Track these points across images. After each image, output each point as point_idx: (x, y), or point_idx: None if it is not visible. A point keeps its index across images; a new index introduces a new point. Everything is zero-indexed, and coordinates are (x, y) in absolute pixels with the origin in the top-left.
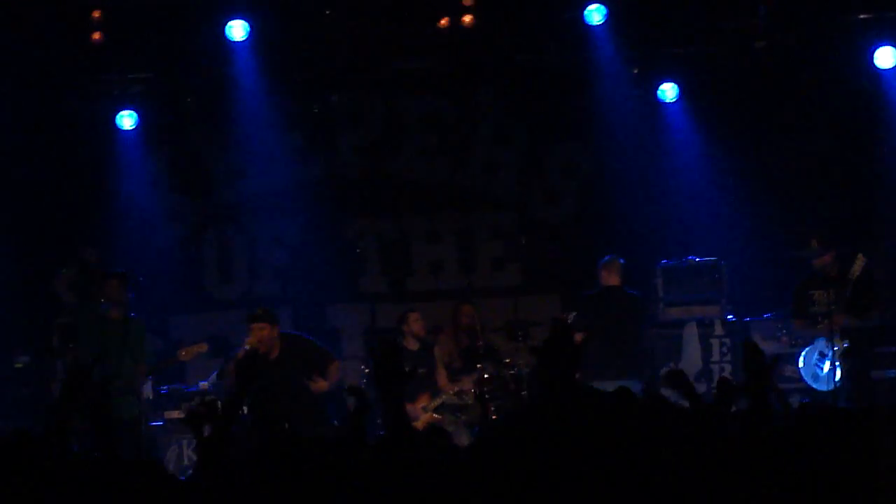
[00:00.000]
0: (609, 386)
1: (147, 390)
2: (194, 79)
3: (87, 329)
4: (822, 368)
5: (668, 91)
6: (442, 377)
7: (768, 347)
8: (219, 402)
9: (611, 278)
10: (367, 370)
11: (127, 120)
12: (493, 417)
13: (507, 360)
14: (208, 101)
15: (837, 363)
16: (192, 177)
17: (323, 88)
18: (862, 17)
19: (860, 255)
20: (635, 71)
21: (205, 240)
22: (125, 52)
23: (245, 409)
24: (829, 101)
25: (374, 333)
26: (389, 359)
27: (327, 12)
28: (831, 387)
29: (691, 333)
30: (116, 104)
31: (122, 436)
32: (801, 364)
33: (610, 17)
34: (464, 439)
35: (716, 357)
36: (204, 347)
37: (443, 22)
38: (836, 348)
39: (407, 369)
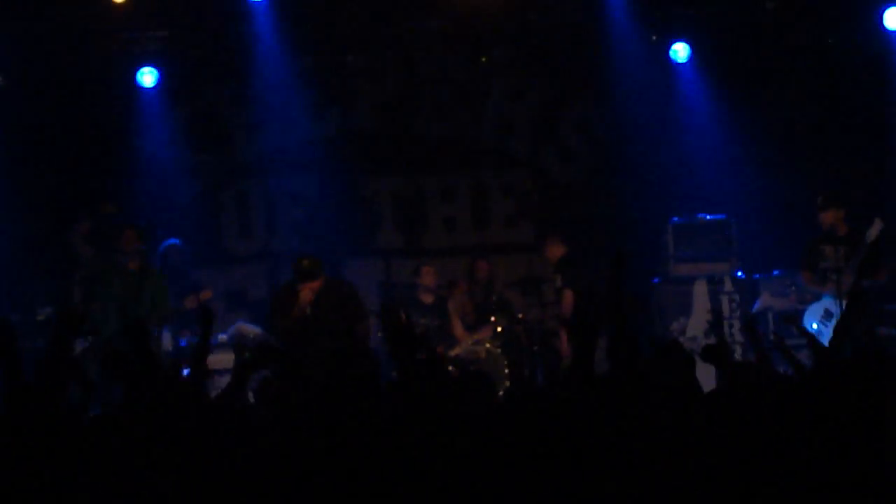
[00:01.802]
0: None
1: (166, 343)
2: (214, 36)
3: (104, 280)
4: (826, 326)
5: (681, 51)
6: (458, 329)
7: (777, 304)
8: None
9: None
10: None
11: (147, 77)
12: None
13: (520, 315)
14: (228, 58)
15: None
16: (211, 133)
17: (340, 46)
18: None
19: (878, 219)
20: (654, 38)
21: (223, 195)
22: (146, 10)
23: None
24: (838, 60)
25: (388, 288)
26: (401, 329)
27: None
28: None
29: (701, 290)
30: (137, 62)
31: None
32: (806, 322)
33: None
34: None
35: (725, 314)
36: (209, 294)
37: None
38: (843, 307)
39: (419, 333)
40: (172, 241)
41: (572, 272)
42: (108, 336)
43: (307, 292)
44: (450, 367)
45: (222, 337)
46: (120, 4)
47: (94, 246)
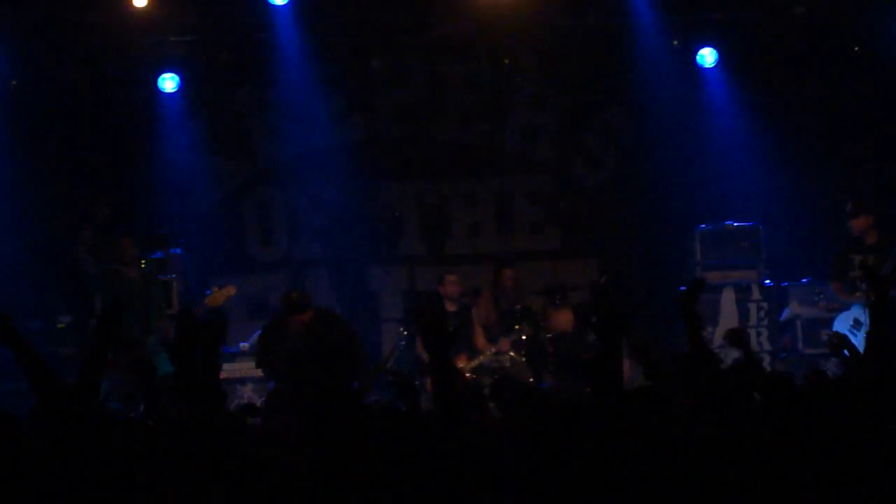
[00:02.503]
0: None
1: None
2: (236, 42)
3: (109, 293)
4: (855, 335)
5: (708, 56)
6: (480, 338)
7: (806, 312)
8: None
9: None
10: (405, 332)
11: (169, 83)
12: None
13: (544, 323)
14: (249, 63)
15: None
16: (233, 139)
17: (364, 51)
18: None
19: None
20: (674, 43)
21: (245, 202)
22: (167, 15)
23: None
24: (867, 66)
25: (412, 295)
26: (434, 320)
27: None
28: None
29: (729, 298)
30: (158, 67)
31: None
32: (835, 329)
33: None
34: None
35: (753, 321)
36: (232, 290)
37: None
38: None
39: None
40: (173, 250)
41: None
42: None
43: (298, 324)
44: (471, 376)
45: (244, 345)
46: (141, 9)
47: (95, 257)
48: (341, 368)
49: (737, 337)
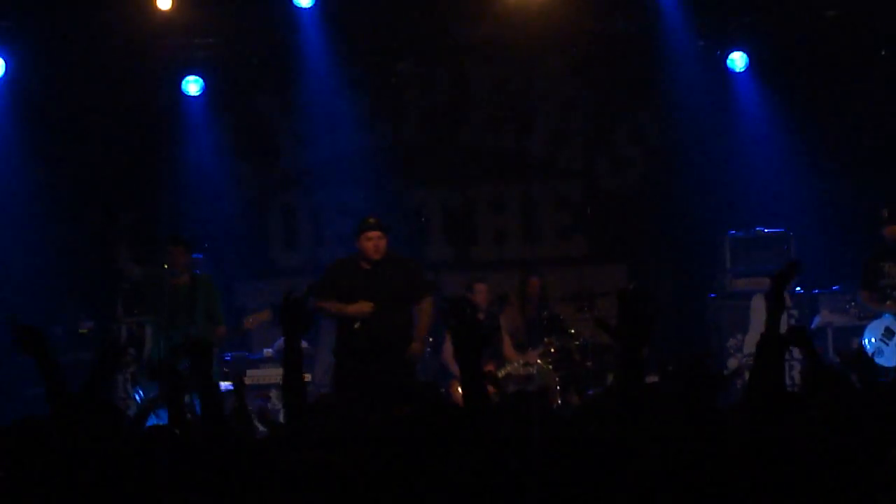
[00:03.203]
0: None
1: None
2: (261, 45)
3: (154, 300)
4: (887, 344)
5: (738, 60)
6: (507, 347)
7: (837, 320)
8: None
9: None
10: (430, 339)
11: (193, 86)
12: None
13: (573, 331)
14: (274, 67)
15: None
16: (257, 143)
17: (390, 56)
18: None
19: None
20: (710, 42)
21: (270, 206)
22: (191, 18)
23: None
24: None
25: (438, 302)
26: (465, 323)
27: None
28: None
29: (759, 305)
30: (183, 70)
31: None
32: (866, 338)
33: None
34: None
35: (783, 330)
36: (267, 315)
37: None
38: None
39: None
40: (197, 255)
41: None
42: (160, 355)
43: (370, 244)
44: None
45: (268, 351)
46: (165, 12)
47: (140, 264)
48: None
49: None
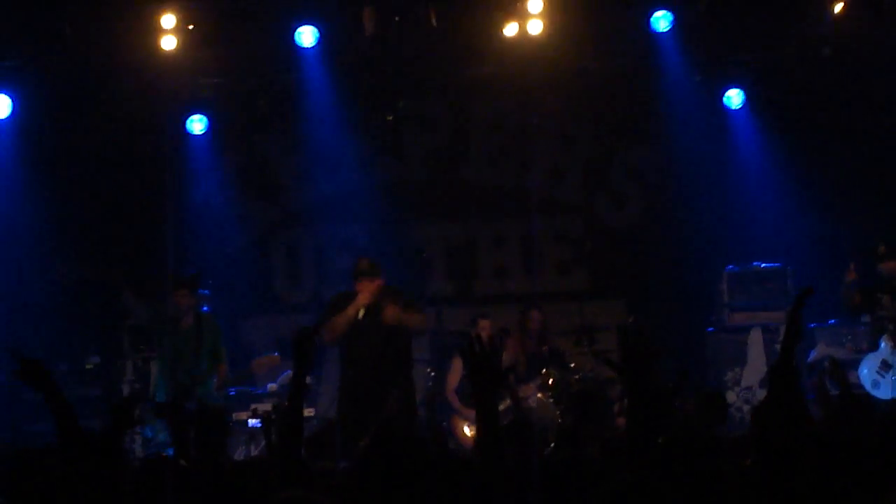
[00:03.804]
0: None
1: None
2: (264, 84)
3: (161, 337)
4: (883, 377)
5: (734, 97)
6: (508, 380)
7: (833, 354)
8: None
9: None
10: (432, 373)
11: (197, 124)
12: (560, 421)
13: (573, 365)
14: (278, 106)
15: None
16: (261, 181)
17: (391, 94)
18: None
19: None
20: (707, 79)
21: (273, 243)
22: (195, 57)
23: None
24: (894, 107)
25: (440, 337)
26: (486, 359)
27: (396, 19)
28: (893, 395)
29: (756, 339)
30: (187, 109)
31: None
32: (862, 371)
33: (676, 23)
34: None
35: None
36: (277, 360)
37: (510, 28)
38: None
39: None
40: (202, 292)
41: None
42: (166, 393)
43: (366, 293)
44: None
45: (272, 385)
46: (170, 51)
47: (145, 302)
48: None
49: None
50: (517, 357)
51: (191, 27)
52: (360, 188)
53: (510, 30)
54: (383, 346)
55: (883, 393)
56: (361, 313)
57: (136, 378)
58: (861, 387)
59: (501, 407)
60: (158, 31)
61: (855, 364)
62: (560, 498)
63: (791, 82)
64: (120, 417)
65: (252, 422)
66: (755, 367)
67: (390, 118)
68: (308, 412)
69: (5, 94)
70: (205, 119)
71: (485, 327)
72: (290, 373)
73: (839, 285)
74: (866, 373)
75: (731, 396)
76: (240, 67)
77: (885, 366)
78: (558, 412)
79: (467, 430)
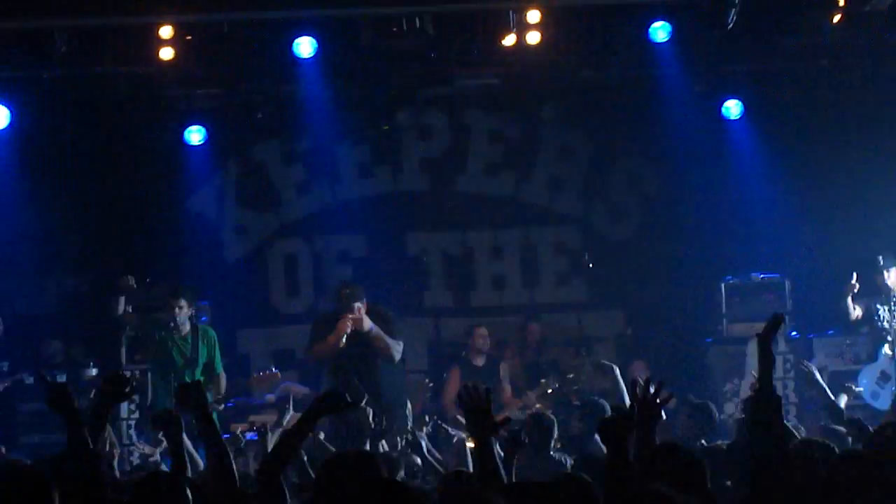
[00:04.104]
0: None
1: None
2: (262, 94)
3: (158, 348)
4: (882, 388)
5: (733, 108)
6: (506, 393)
7: (831, 364)
8: None
9: None
10: (430, 384)
11: (195, 135)
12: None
13: (570, 376)
14: (275, 116)
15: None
16: (259, 192)
17: (389, 104)
18: None
19: None
20: (706, 90)
21: (271, 254)
22: (193, 68)
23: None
24: (893, 118)
25: (438, 347)
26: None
27: (394, 29)
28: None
29: (754, 350)
30: (185, 119)
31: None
32: (861, 381)
33: (674, 34)
34: None
35: (779, 374)
36: (277, 377)
37: (508, 39)
38: None
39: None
40: (200, 303)
41: None
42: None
43: (345, 323)
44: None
45: (269, 397)
46: (168, 61)
47: (143, 313)
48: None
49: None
50: (516, 369)
51: (189, 38)
52: (357, 199)
53: (508, 40)
54: (370, 371)
55: (882, 403)
56: (343, 342)
57: (134, 389)
58: (861, 398)
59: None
60: (157, 42)
61: (854, 375)
62: None
63: (789, 93)
64: (111, 390)
65: (249, 434)
66: (754, 377)
67: (388, 128)
68: None
69: (4, 104)
70: (203, 130)
71: (482, 335)
72: (288, 384)
73: (840, 298)
74: (866, 383)
75: (729, 408)
76: (237, 78)
77: (885, 377)
78: (556, 422)
79: (468, 444)
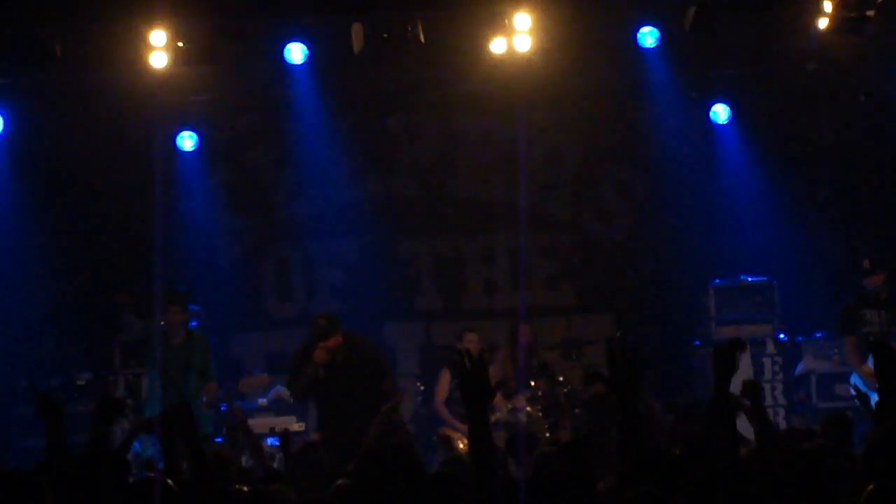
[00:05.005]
0: None
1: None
2: (253, 100)
3: (152, 353)
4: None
5: (721, 112)
6: (497, 397)
7: (819, 367)
8: None
9: None
10: (422, 387)
11: (187, 141)
12: (547, 435)
13: (561, 379)
14: (267, 122)
15: None
16: (251, 197)
17: (380, 110)
18: None
19: None
20: (694, 94)
21: (263, 259)
22: (185, 74)
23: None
24: (880, 122)
25: (429, 351)
26: (476, 374)
27: (384, 35)
28: None
29: (743, 353)
30: (177, 125)
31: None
32: (856, 380)
33: (662, 39)
34: None
35: (767, 376)
36: (265, 380)
37: (498, 44)
38: None
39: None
40: (192, 307)
41: None
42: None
43: (321, 352)
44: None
45: (262, 401)
46: (160, 69)
47: (137, 317)
48: (364, 395)
49: (752, 389)
50: (506, 372)
51: (181, 44)
52: (349, 203)
53: (498, 46)
54: (353, 394)
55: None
56: (321, 372)
57: (128, 394)
58: (853, 398)
59: (492, 419)
60: (149, 48)
61: (842, 378)
62: None
63: (777, 97)
64: (106, 409)
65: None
66: (742, 380)
67: (379, 134)
68: (298, 426)
69: None
70: (195, 135)
71: (472, 341)
72: (280, 388)
73: (830, 302)
74: (861, 383)
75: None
76: (229, 84)
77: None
78: (547, 425)
79: (460, 444)
